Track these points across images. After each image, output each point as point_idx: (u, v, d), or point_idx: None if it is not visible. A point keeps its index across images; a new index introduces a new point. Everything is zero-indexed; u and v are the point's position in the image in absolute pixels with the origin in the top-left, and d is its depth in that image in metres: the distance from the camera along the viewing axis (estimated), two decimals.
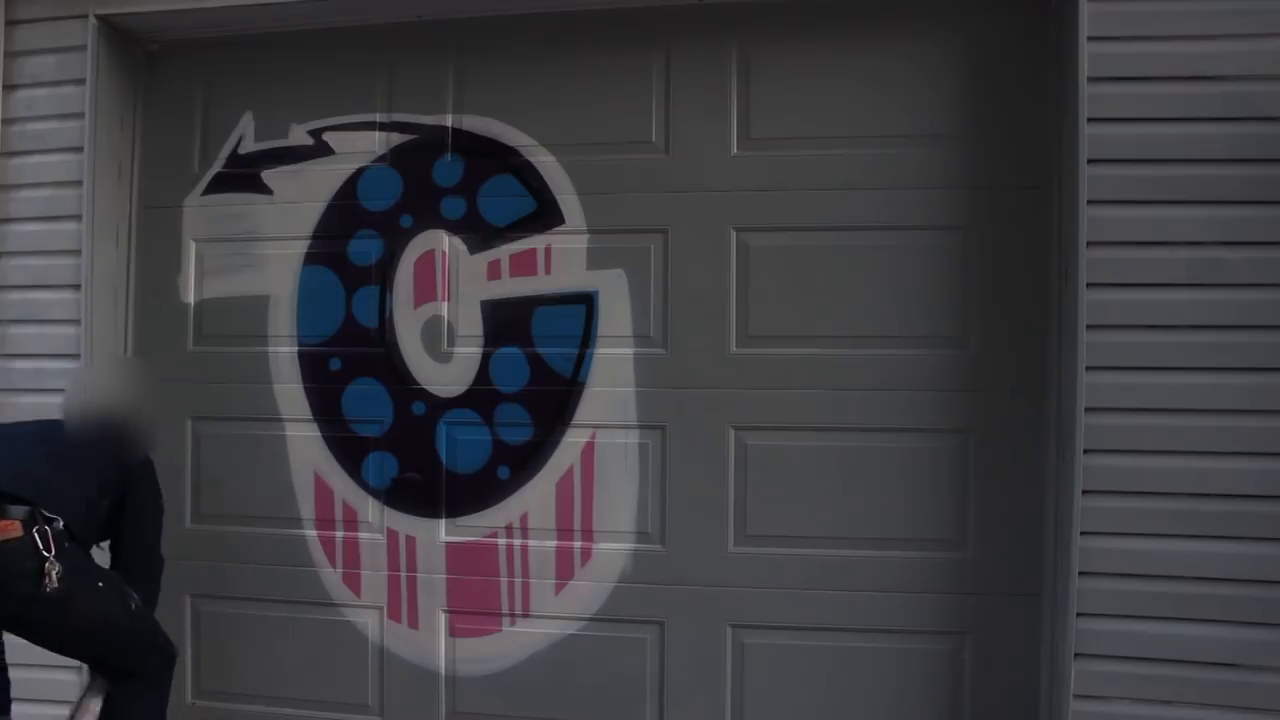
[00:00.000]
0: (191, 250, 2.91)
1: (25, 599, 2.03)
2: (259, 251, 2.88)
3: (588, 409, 2.72)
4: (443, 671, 2.79)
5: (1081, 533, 2.35)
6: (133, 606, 2.25)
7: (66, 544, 2.11)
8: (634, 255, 2.70)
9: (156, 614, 2.74)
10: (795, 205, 2.63)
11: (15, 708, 2.75)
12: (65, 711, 2.71)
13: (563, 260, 2.74)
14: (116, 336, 2.89)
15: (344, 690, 2.83)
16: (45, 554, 2.03)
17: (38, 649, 2.24)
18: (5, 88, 2.83)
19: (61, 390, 2.49)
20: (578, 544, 2.73)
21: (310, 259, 2.85)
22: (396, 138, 2.82)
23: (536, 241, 2.75)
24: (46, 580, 2.02)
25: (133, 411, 2.39)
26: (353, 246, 2.83)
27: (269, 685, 2.87)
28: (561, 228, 2.74)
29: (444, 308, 2.79)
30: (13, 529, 2.03)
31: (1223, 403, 2.31)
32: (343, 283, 2.84)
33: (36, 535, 2.04)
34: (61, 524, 2.12)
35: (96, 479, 2.28)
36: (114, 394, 2.42)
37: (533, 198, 2.75)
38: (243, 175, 2.89)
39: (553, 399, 2.73)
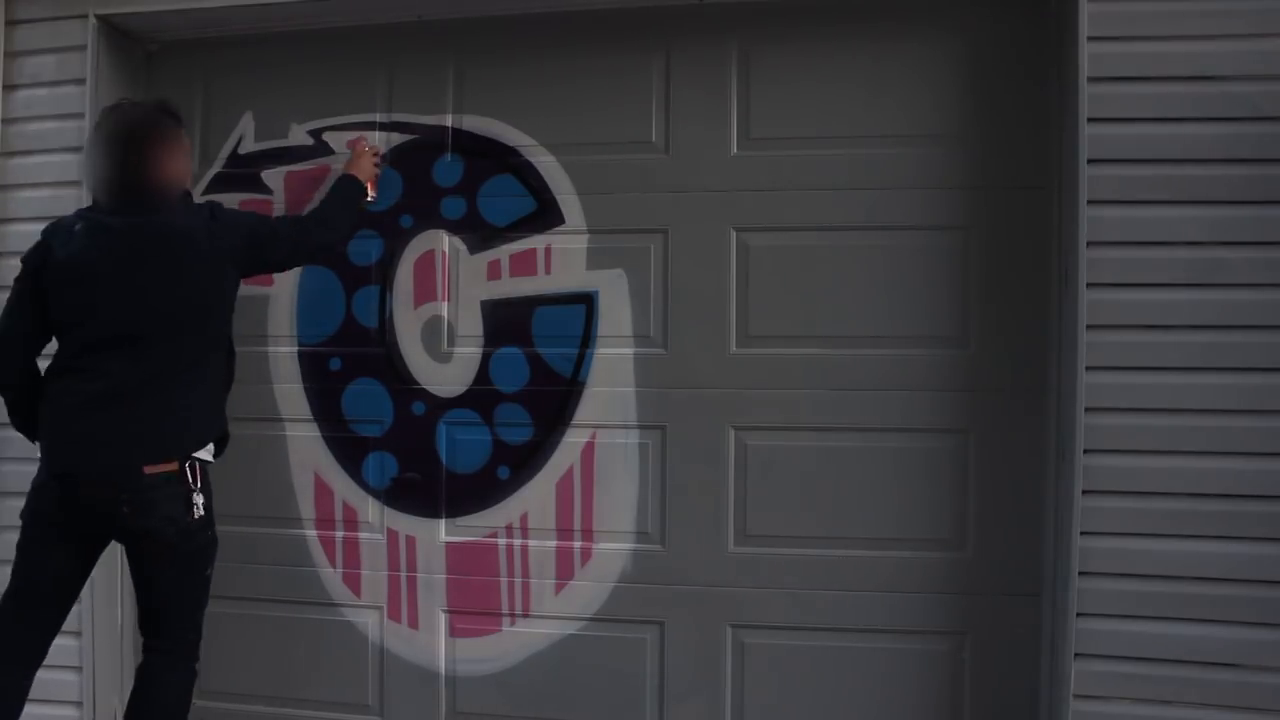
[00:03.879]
0: None
1: (168, 518, 2.22)
2: None
3: (588, 409, 2.72)
4: (443, 671, 2.79)
5: (1081, 533, 2.35)
6: (208, 573, 2.39)
7: (209, 478, 2.33)
8: (634, 255, 2.70)
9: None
10: (795, 205, 2.63)
11: None
12: (66, 712, 2.73)
13: (563, 260, 2.74)
14: None
15: (344, 690, 2.83)
16: (194, 486, 2.26)
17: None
18: (5, 88, 2.82)
19: None
20: (578, 544, 2.73)
21: None
22: (396, 138, 2.82)
23: (536, 241, 2.75)
24: (193, 509, 2.26)
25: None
26: (352, 246, 2.83)
27: (269, 685, 2.87)
28: (561, 228, 2.74)
29: (444, 308, 2.79)
30: (171, 466, 2.23)
31: (1223, 403, 2.31)
32: (342, 283, 2.84)
33: (188, 469, 2.26)
34: (208, 454, 2.33)
35: (219, 284, 2.32)
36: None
37: (533, 198, 2.75)
38: (243, 175, 2.89)
39: (553, 399, 2.73)
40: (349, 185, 2.59)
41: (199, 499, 2.27)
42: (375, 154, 2.71)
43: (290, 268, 2.64)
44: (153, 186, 2.25)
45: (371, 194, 2.68)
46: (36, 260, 2.28)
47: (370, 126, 2.82)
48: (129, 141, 2.25)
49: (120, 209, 2.25)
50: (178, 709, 2.36)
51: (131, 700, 2.34)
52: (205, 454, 2.33)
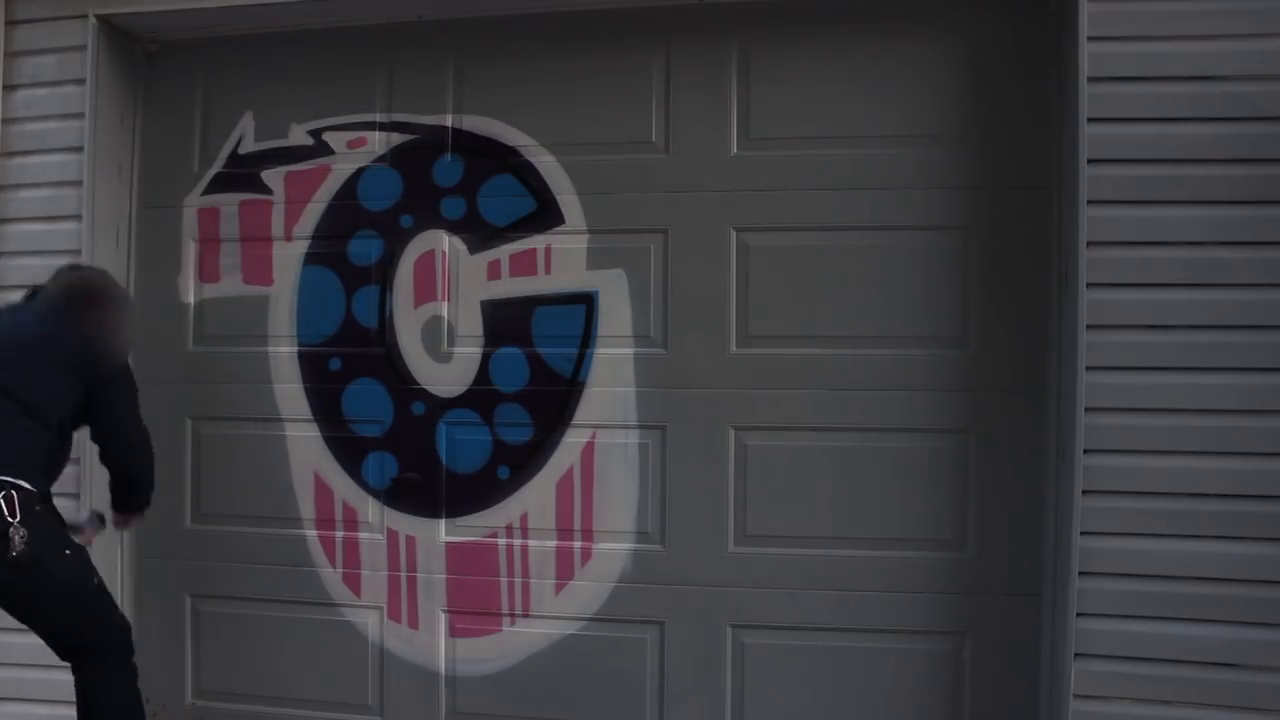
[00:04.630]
0: (192, 250, 2.91)
1: None
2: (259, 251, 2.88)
3: (588, 409, 2.72)
4: (443, 671, 2.79)
5: (1081, 533, 2.35)
6: (95, 582, 2.30)
7: (37, 507, 2.17)
8: (634, 255, 2.70)
9: (159, 610, 2.75)
10: (795, 205, 2.63)
11: (15, 707, 2.76)
12: (66, 712, 2.72)
13: (563, 260, 2.74)
14: None
15: (344, 690, 2.83)
16: (10, 520, 2.09)
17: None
18: (5, 88, 2.83)
19: None
20: (578, 544, 2.73)
21: (310, 259, 2.86)
22: (396, 138, 2.82)
23: (536, 241, 2.75)
24: (11, 544, 2.08)
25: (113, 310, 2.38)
26: (353, 246, 2.83)
27: (269, 685, 2.87)
28: (561, 228, 2.74)
29: (444, 308, 2.79)
30: None
31: (1223, 403, 2.31)
32: (343, 283, 2.84)
33: (1, 501, 2.10)
34: (28, 486, 2.16)
35: (69, 381, 2.28)
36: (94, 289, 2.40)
37: (533, 198, 2.75)
38: (243, 175, 2.89)
39: (553, 399, 2.73)
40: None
41: (18, 534, 2.09)
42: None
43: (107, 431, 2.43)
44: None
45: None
46: None
47: (370, 126, 2.83)
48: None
49: None
50: (129, 711, 2.32)
51: (82, 715, 2.29)
52: (26, 482, 2.18)
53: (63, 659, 2.32)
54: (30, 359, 2.25)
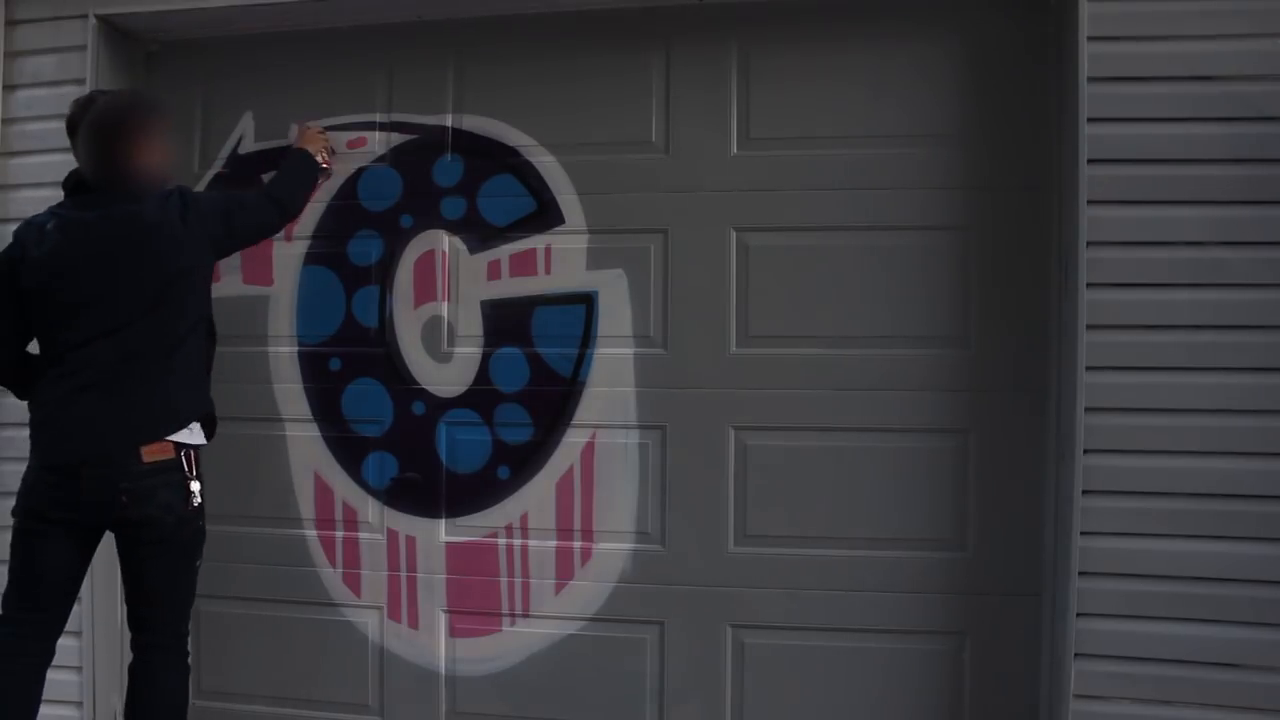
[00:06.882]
0: None
1: (166, 506, 2.23)
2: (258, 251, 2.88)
3: (588, 409, 2.72)
4: (443, 671, 2.79)
5: (1081, 533, 2.35)
6: (198, 564, 2.39)
7: (200, 469, 2.32)
8: (634, 255, 2.70)
9: None
10: (795, 205, 2.63)
11: None
12: (66, 712, 2.73)
13: (563, 260, 2.74)
14: None
15: (344, 690, 2.83)
16: (190, 474, 2.27)
17: None
18: (5, 88, 2.83)
19: None
20: (578, 544, 2.73)
21: (310, 259, 2.86)
22: (396, 138, 2.82)
23: (536, 241, 2.75)
24: (191, 497, 2.27)
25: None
26: (353, 246, 2.83)
27: (269, 685, 2.87)
28: (561, 228, 2.74)
29: (444, 308, 2.79)
30: (166, 451, 2.24)
31: (1223, 403, 2.31)
32: (343, 283, 2.84)
33: (184, 457, 2.27)
34: (200, 439, 2.34)
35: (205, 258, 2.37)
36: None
37: (533, 198, 2.75)
38: (243, 175, 2.88)
39: (553, 399, 2.73)
40: (300, 158, 2.68)
41: (196, 486, 2.28)
42: (321, 131, 2.77)
43: (256, 242, 2.63)
44: (126, 176, 2.25)
45: (324, 163, 2.75)
46: (10, 262, 2.28)
47: (370, 127, 2.83)
48: (101, 132, 2.25)
49: (93, 201, 2.26)
50: (180, 709, 2.36)
51: (132, 703, 2.33)
52: (198, 439, 2.34)
53: (136, 633, 2.35)
54: (122, 282, 2.24)
